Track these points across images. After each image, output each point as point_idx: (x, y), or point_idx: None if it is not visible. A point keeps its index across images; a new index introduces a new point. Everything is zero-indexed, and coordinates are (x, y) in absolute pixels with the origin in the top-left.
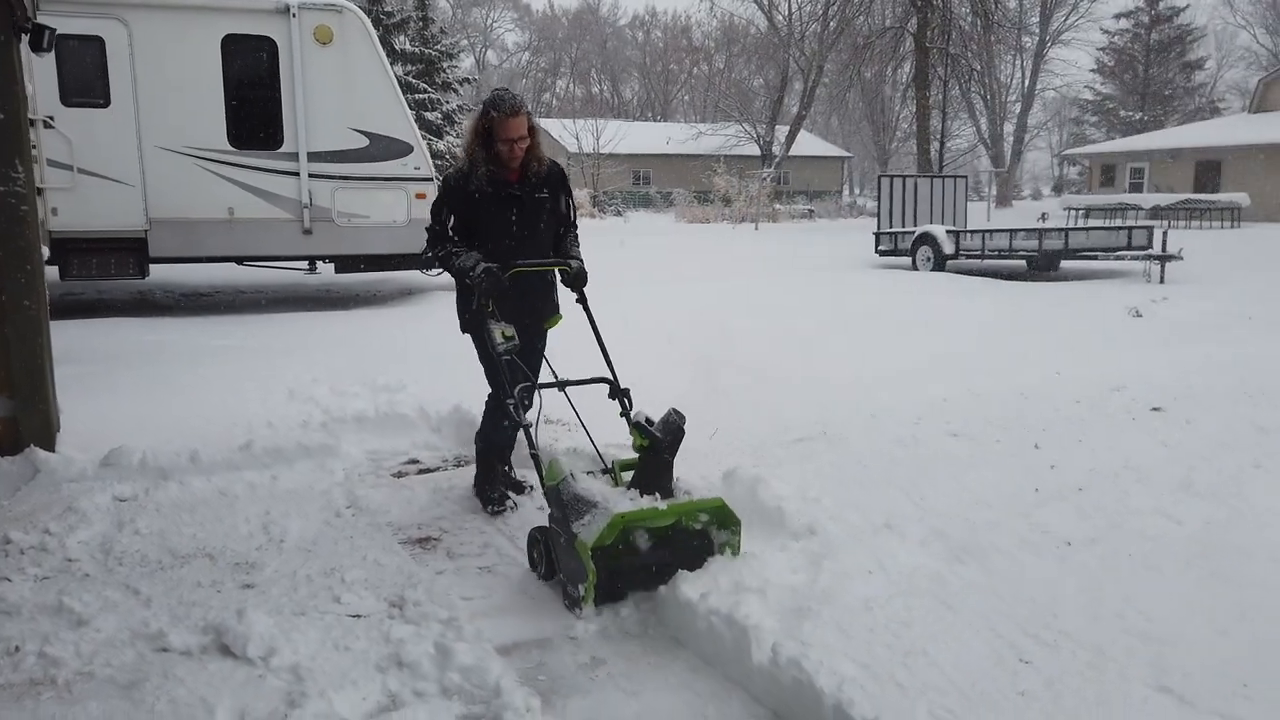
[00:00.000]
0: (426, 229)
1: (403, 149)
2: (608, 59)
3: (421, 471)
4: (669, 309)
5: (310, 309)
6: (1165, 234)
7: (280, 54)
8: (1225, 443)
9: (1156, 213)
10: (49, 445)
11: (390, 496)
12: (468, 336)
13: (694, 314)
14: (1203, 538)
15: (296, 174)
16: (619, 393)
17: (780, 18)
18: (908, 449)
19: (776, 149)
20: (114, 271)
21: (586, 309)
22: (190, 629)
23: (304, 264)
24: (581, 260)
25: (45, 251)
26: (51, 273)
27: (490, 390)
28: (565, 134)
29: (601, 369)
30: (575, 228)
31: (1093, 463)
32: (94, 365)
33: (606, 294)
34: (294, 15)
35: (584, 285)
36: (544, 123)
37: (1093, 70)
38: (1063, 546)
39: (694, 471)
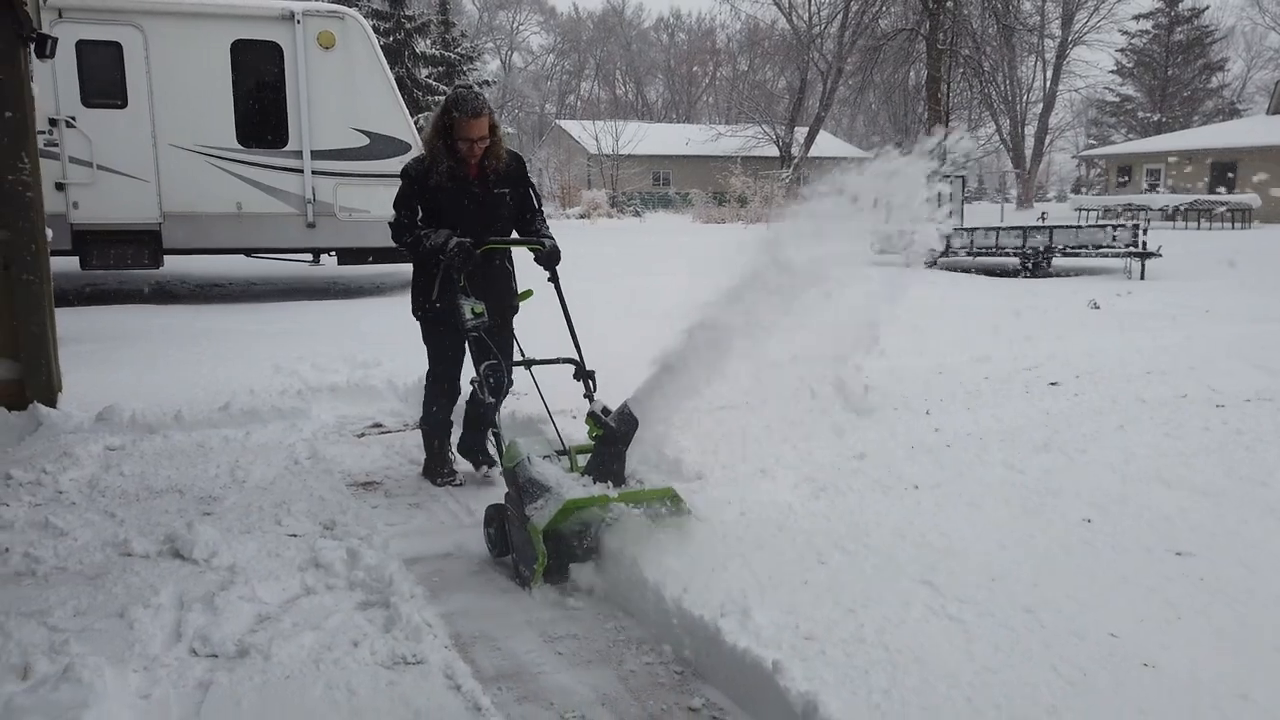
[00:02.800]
0: (390, 223)
1: (401, 147)
2: (632, 61)
3: (382, 433)
4: (646, 298)
5: (315, 299)
6: (1145, 232)
7: (286, 58)
8: (1101, 410)
9: (1166, 214)
10: (50, 403)
11: (347, 451)
12: (416, 319)
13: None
14: (1031, 483)
15: (301, 171)
16: (584, 374)
17: (799, 19)
18: (813, 415)
19: (796, 150)
20: (130, 262)
21: (558, 288)
22: (151, 540)
23: (308, 256)
24: (554, 239)
25: (50, 234)
26: (73, 263)
27: (429, 370)
28: (585, 135)
29: (569, 349)
30: (541, 213)
31: (971, 427)
32: (103, 343)
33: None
34: (299, 21)
35: (556, 263)
36: (566, 124)
37: (1112, 71)
38: (910, 489)
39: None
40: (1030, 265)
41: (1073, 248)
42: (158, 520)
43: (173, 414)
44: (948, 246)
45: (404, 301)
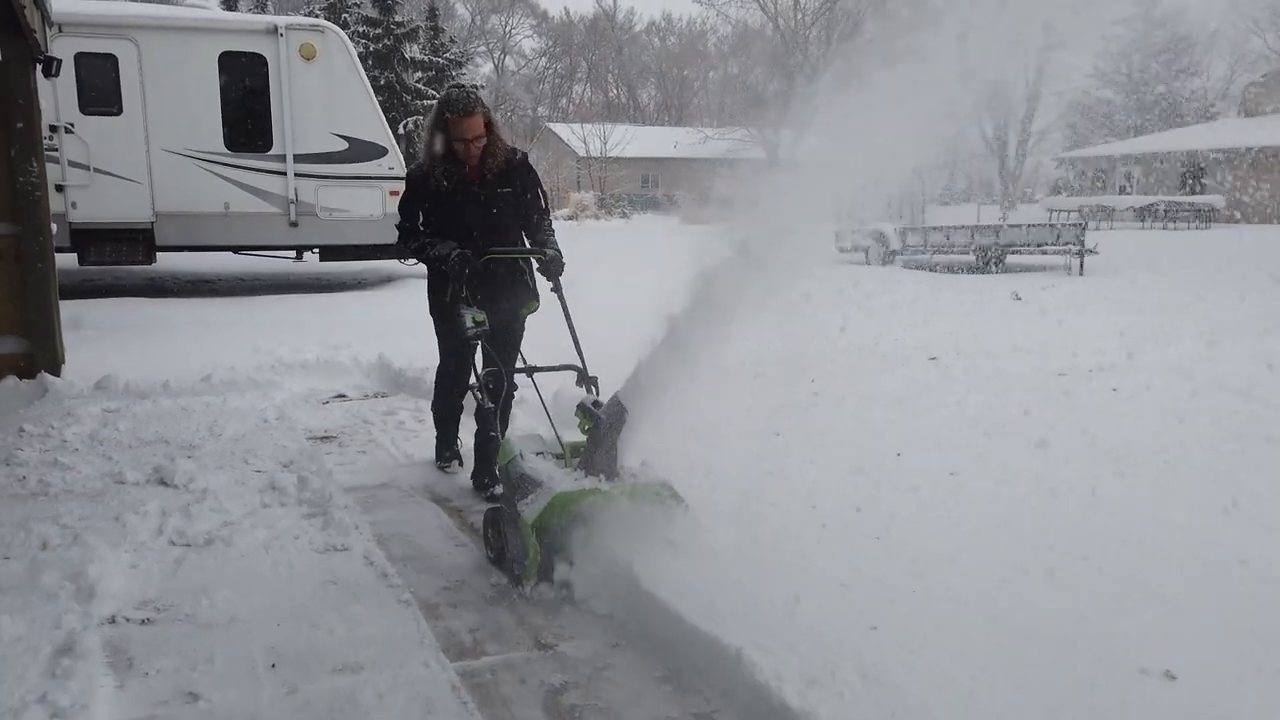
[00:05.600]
0: (397, 226)
1: (378, 151)
2: (624, 64)
3: (344, 401)
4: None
5: (299, 293)
6: (1083, 231)
7: (270, 68)
8: (963, 377)
9: (1136, 214)
10: (55, 373)
11: (312, 414)
12: (431, 318)
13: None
14: (869, 430)
15: (284, 173)
16: (586, 380)
17: (785, 23)
18: (718, 385)
19: (784, 152)
20: (125, 258)
21: (561, 297)
22: (141, 472)
23: (291, 253)
24: (558, 249)
25: (54, 228)
26: (71, 259)
27: (440, 363)
28: (574, 138)
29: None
30: (548, 215)
31: (846, 392)
32: (100, 330)
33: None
34: (282, 34)
35: (559, 273)
36: (555, 127)
37: (1089, 76)
38: (772, 436)
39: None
40: (983, 262)
41: (1018, 246)
42: (147, 460)
43: (161, 383)
44: (904, 245)
45: (381, 295)
